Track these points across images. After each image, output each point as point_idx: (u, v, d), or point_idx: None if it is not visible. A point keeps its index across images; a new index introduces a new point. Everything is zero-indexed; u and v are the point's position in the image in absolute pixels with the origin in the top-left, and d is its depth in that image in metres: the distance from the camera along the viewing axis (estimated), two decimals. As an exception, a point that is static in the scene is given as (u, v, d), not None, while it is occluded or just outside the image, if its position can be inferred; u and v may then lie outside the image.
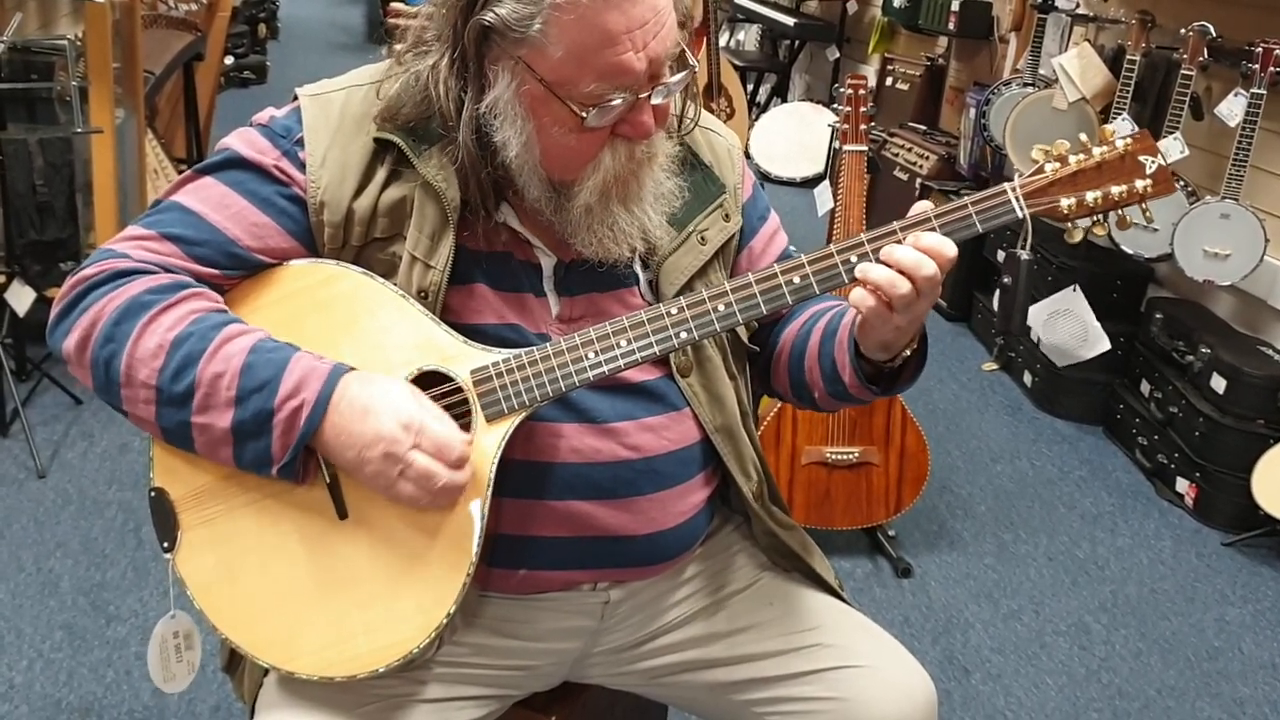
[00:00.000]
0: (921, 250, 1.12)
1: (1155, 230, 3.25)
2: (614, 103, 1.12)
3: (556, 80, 1.11)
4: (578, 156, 1.17)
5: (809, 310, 1.39)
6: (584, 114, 1.12)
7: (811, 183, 5.87)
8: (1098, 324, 3.44)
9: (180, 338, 1.11)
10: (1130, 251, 3.35)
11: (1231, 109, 3.07)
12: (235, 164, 1.21)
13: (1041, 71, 3.91)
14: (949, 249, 1.13)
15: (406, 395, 1.11)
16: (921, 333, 1.25)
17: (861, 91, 2.64)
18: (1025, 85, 3.93)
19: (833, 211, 2.81)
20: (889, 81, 5.68)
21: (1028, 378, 3.81)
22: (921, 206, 1.16)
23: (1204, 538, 3.01)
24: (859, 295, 1.14)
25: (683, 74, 1.17)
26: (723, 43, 7.17)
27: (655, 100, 1.15)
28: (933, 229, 1.14)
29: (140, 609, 2.36)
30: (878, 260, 1.13)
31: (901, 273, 1.11)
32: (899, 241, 1.14)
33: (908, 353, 1.25)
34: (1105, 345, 3.42)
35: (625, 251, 1.23)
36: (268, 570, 1.16)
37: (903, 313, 1.14)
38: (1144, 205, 1.14)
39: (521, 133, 1.15)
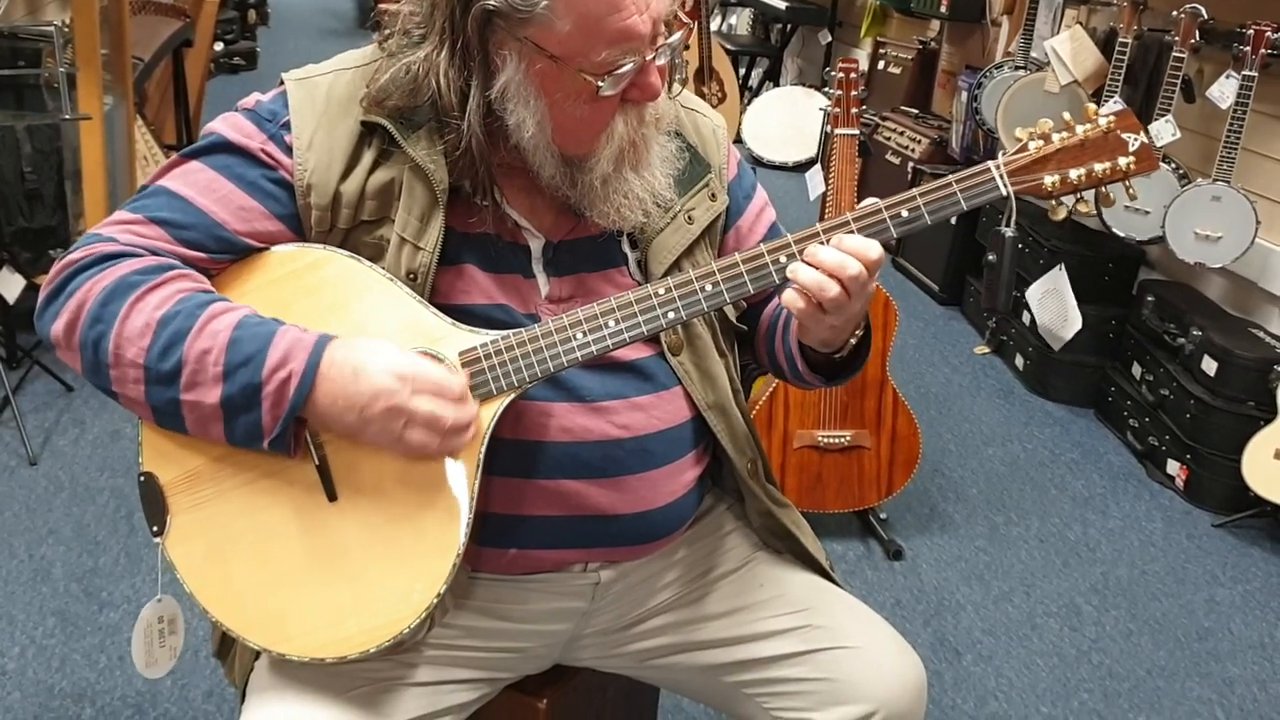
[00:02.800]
0: (845, 251, 1.13)
1: (1147, 213, 3.25)
2: (625, 68, 1.12)
3: (567, 54, 1.11)
4: (591, 127, 1.17)
5: None
6: (599, 83, 1.12)
7: (804, 167, 5.86)
8: (1075, 304, 3.49)
9: (167, 316, 1.11)
10: (1122, 234, 3.35)
11: (1223, 91, 3.07)
12: (222, 148, 1.21)
13: (1033, 54, 3.91)
14: (871, 251, 1.13)
15: (392, 349, 1.11)
16: (865, 322, 1.26)
17: (852, 75, 2.63)
18: (1017, 68, 3.93)
19: (824, 195, 2.81)
20: (881, 65, 5.67)
21: (1019, 361, 3.81)
22: (869, 204, 1.17)
23: (1194, 519, 3.02)
24: (790, 297, 1.15)
25: (680, 32, 1.17)
26: (714, 27, 7.17)
27: (660, 60, 1.16)
28: (852, 230, 1.15)
29: (133, 595, 2.36)
30: (802, 260, 1.14)
31: (829, 275, 1.12)
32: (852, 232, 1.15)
33: (854, 341, 1.27)
34: (1078, 325, 3.49)
35: (640, 217, 1.23)
36: (257, 553, 1.16)
37: (835, 314, 1.15)
38: (1128, 182, 1.15)
39: (535, 112, 1.15)
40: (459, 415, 1.11)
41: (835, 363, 1.31)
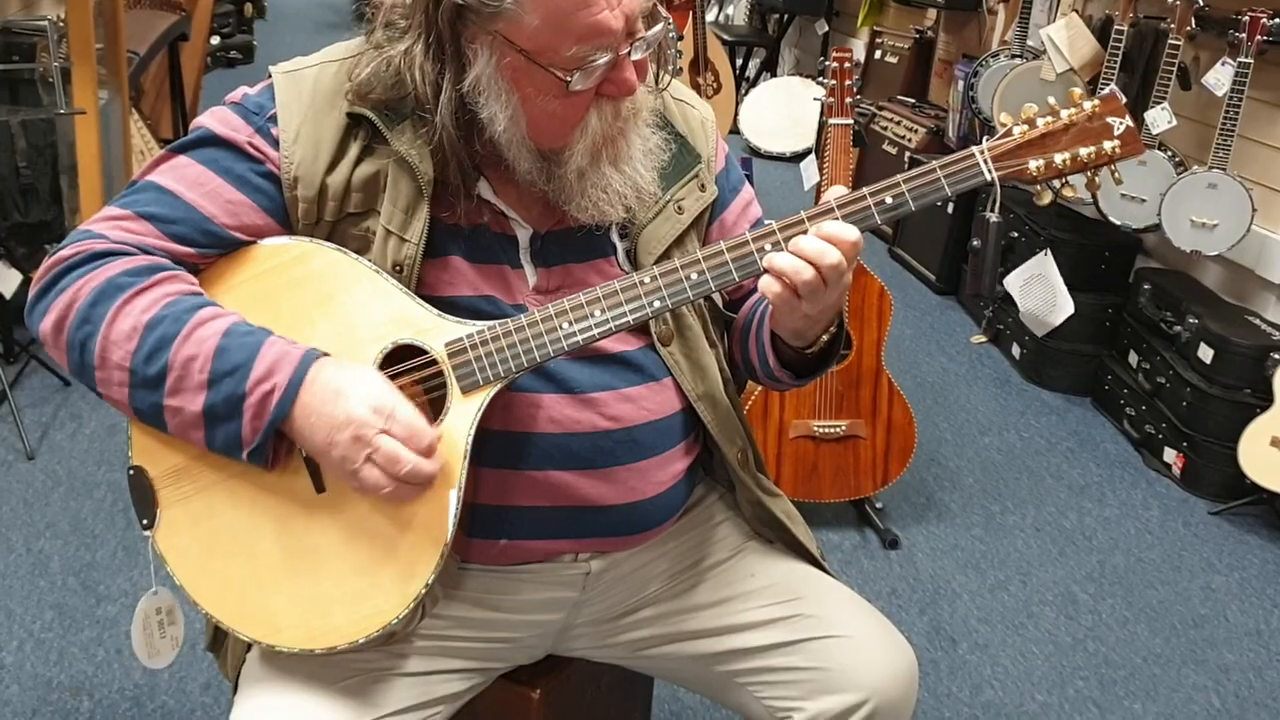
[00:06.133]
0: (823, 238, 1.12)
1: (1143, 201, 3.25)
2: (596, 63, 1.12)
3: (537, 49, 1.11)
4: (565, 122, 1.17)
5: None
6: (568, 78, 1.12)
7: (802, 157, 5.87)
8: (1065, 288, 3.49)
9: (155, 320, 1.11)
10: (1118, 222, 3.35)
11: (1219, 78, 3.07)
12: (209, 142, 1.21)
13: (1030, 43, 3.91)
14: (849, 234, 1.13)
15: (379, 381, 1.11)
16: (839, 320, 1.26)
17: (846, 65, 2.62)
18: (1013, 57, 3.92)
19: (819, 185, 2.81)
20: (878, 55, 5.66)
21: (1016, 350, 3.81)
22: (836, 192, 1.16)
23: (1191, 507, 3.03)
24: (766, 282, 1.15)
25: (658, 26, 1.17)
26: (711, 17, 7.16)
27: (635, 56, 1.15)
28: (835, 218, 1.15)
29: (130, 588, 2.36)
30: (787, 250, 1.14)
31: (805, 261, 1.12)
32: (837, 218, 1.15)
33: (825, 338, 1.27)
34: (1070, 309, 3.49)
35: (620, 212, 1.23)
36: (247, 544, 1.17)
37: (810, 300, 1.14)
38: (1113, 166, 1.15)
39: (507, 106, 1.15)
40: (418, 464, 1.08)
41: (806, 361, 1.31)
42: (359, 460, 1.08)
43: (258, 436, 1.10)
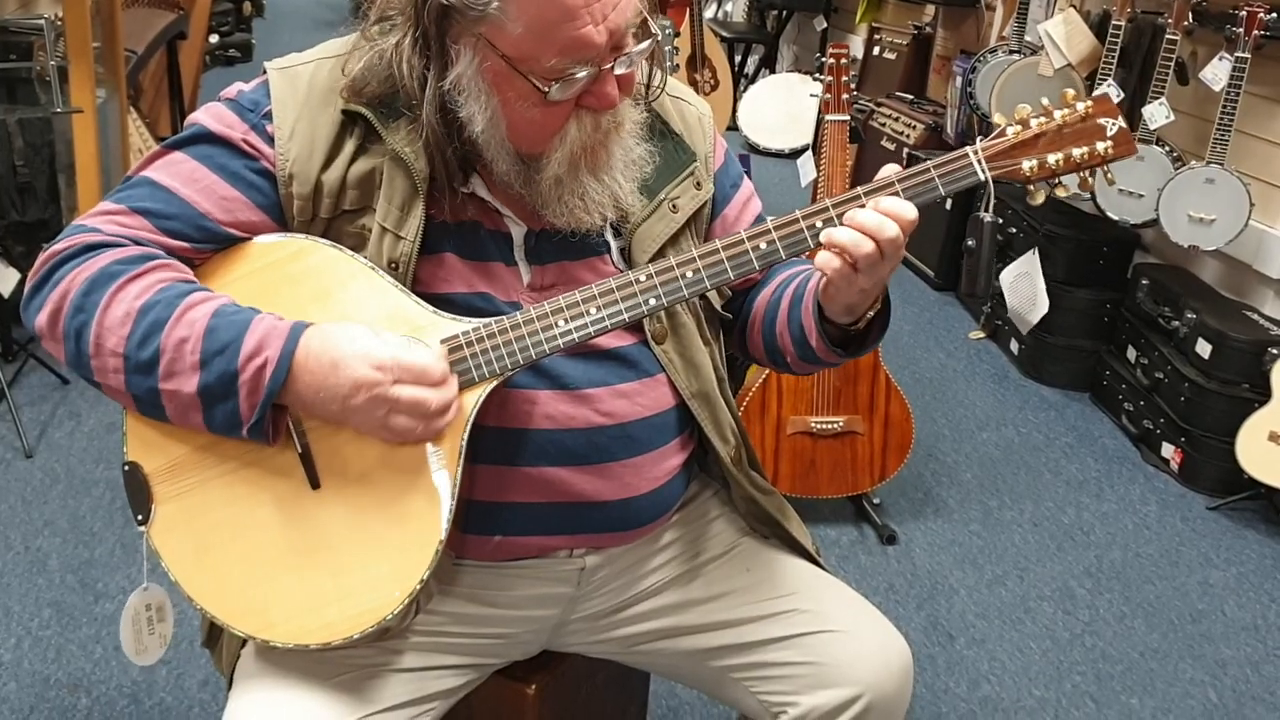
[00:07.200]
0: (882, 213, 1.13)
1: (1141, 196, 3.25)
2: (577, 76, 1.12)
3: (518, 56, 1.11)
4: (543, 130, 1.17)
5: (780, 276, 1.40)
6: (547, 88, 1.12)
7: (801, 154, 5.87)
8: (1044, 289, 3.53)
9: (147, 305, 1.12)
10: (1116, 217, 3.35)
11: (1216, 73, 3.07)
12: (204, 138, 1.21)
13: (1027, 38, 3.90)
14: (909, 211, 1.14)
15: (367, 336, 1.11)
16: (884, 293, 1.26)
17: (843, 61, 2.62)
18: (1011, 52, 3.92)
19: (816, 182, 2.81)
20: (876, 51, 5.65)
21: (1014, 345, 3.82)
22: (889, 169, 1.17)
23: (1189, 502, 3.03)
24: (824, 258, 1.15)
25: (645, 43, 1.17)
26: (710, 14, 7.15)
27: (618, 70, 1.15)
28: (895, 193, 1.15)
29: (128, 586, 2.37)
30: (841, 225, 1.14)
31: (865, 235, 1.12)
32: (862, 206, 1.14)
33: (871, 314, 1.26)
34: (1045, 309, 3.53)
35: (597, 220, 1.23)
36: (241, 541, 1.17)
37: (867, 274, 1.15)
38: (1106, 167, 1.15)
39: (486, 108, 1.15)
40: (442, 398, 1.11)
41: (850, 337, 1.30)
42: (382, 415, 1.10)
43: (255, 412, 1.11)
